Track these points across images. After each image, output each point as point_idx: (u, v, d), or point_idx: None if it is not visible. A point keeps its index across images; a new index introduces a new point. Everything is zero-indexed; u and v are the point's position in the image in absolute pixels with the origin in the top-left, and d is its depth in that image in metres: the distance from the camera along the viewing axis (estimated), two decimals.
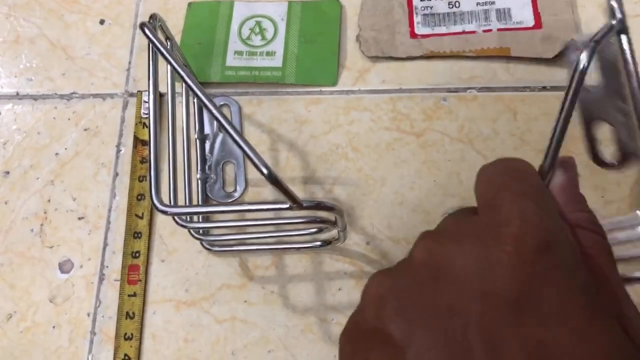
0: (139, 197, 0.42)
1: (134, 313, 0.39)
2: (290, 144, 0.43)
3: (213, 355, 0.38)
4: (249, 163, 0.41)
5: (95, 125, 0.45)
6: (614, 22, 0.28)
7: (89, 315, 0.40)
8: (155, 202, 0.31)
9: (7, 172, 0.44)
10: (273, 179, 0.27)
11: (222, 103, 0.44)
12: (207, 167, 0.42)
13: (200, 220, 0.39)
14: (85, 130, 0.45)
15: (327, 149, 0.42)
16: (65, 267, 0.41)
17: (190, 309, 0.39)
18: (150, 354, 0.39)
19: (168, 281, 0.40)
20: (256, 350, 0.38)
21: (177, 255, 0.41)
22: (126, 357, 0.39)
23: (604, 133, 0.33)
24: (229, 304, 0.39)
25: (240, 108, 0.44)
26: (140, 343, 0.39)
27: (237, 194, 0.41)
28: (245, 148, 0.28)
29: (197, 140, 0.42)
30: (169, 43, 0.38)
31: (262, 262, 0.40)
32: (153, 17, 0.35)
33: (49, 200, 0.43)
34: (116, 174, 0.43)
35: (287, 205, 0.29)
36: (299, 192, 0.41)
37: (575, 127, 0.32)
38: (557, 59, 0.42)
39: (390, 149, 0.42)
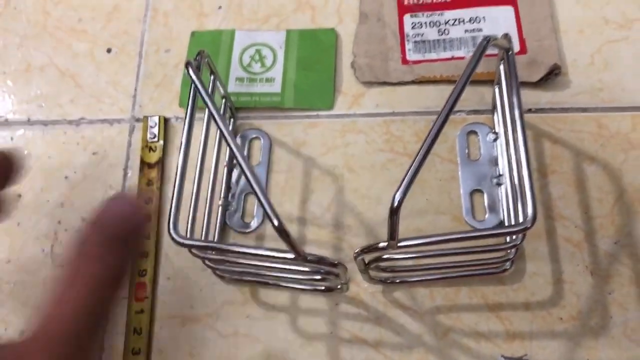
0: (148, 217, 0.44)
1: (141, 329, 0.41)
2: (289, 165, 0.45)
3: None
4: (271, 197, 0.44)
5: (103, 149, 0.47)
6: None
7: None
8: (173, 234, 0.33)
9: (20, 195, 0.46)
10: (280, 231, 0.30)
11: (253, 136, 0.46)
12: (230, 195, 0.44)
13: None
14: (94, 154, 0.47)
15: (325, 170, 0.44)
16: None
17: (195, 324, 0.41)
18: None
19: (174, 298, 0.42)
20: None
21: (182, 273, 0.43)
22: None
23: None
24: (231, 319, 0.41)
25: (271, 142, 0.46)
26: (148, 358, 0.41)
27: (254, 226, 0.43)
28: (260, 196, 0.30)
29: (225, 169, 0.44)
30: (212, 77, 0.39)
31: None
32: (200, 53, 0.37)
33: (59, 222, 0.45)
34: None
35: (292, 256, 0.31)
36: (297, 211, 0.43)
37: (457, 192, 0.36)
38: (541, 83, 0.45)
39: (385, 170, 0.44)
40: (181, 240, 0.34)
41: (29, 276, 0.44)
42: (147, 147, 0.46)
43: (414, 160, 0.31)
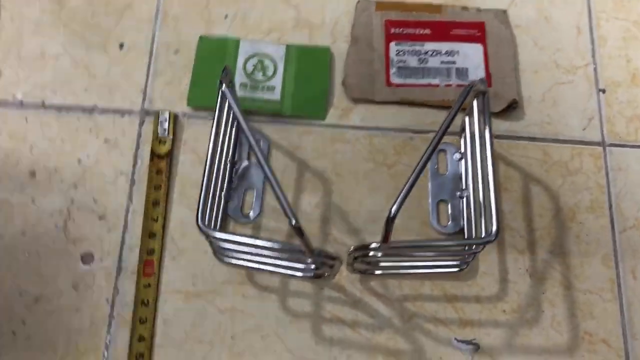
0: (154, 203, 0.49)
1: (148, 301, 0.47)
2: (285, 166, 0.51)
3: (215, 338, 0.46)
4: (267, 193, 0.50)
5: (115, 137, 0.52)
6: None
7: (107, 301, 0.47)
8: (201, 225, 0.39)
9: (33, 173, 0.50)
10: (298, 230, 0.37)
11: (256, 138, 0.51)
12: (231, 188, 0.50)
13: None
14: (106, 141, 0.52)
15: (315, 173, 0.51)
16: (86, 259, 0.48)
17: (197, 299, 0.47)
18: (161, 335, 0.46)
19: (178, 276, 0.48)
20: (252, 336, 0.46)
21: (186, 254, 0.49)
22: (141, 337, 0.46)
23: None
24: (229, 296, 0.47)
25: (270, 145, 0.52)
26: (153, 326, 0.47)
27: (252, 217, 0.50)
28: (280, 195, 0.37)
29: (228, 165, 0.50)
30: (231, 85, 0.45)
31: None
32: (226, 69, 0.43)
33: (72, 201, 0.50)
34: (133, 182, 0.50)
35: (303, 250, 0.38)
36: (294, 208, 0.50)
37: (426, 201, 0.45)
38: (502, 113, 0.53)
39: (367, 177, 0.51)
40: (207, 231, 0.40)
41: (43, 248, 0.48)
42: (158, 139, 0.51)
43: (408, 180, 0.38)
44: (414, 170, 0.39)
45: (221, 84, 0.42)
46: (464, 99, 0.41)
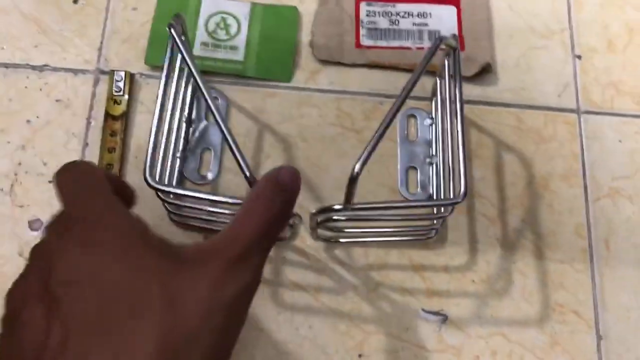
0: (108, 167, 0.47)
1: None
2: (247, 130, 0.49)
3: None
4: (225, 153, 0.47)
5: (67, 97, 0.49)
6: None
7: None
8: (149, 179, 0.37)
9: None
10: (251, 182, 0.35)
11: (213, 95, 0.49)
12: (187, 149, 0.47)
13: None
14: (57, 101, 0.49)
15: (280, 138, 0.49)
16: (35, 225, 0.46)
17: None
18: None
19: None
20: None
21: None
22: None
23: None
24: None
25: (229, 103, 0.49)
26: None
27: (210, 178, 0.47)
28: (235, 150, 0.35)
29: (184, 124, 0.47)
30: (183, 37, 0.41)
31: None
32: (179, 16, 0.40)
33: (19, 164, 0.47)
34: (86, 144, 0.48)
35: None
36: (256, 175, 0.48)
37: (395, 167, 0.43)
38: (474, 78, 0.51)
39: (334, 142, 0.49)
40: (156, 185, 0.37)
41: None
42: (112, 99, 0.48)
43: (373, 136, 0.36)
44: (379, 127, 0.36)
45: (170, 28, 0.39)
46: (433, 52, 0.38)
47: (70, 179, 0.31)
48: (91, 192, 0.30)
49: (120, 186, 0.33)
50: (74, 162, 0.33)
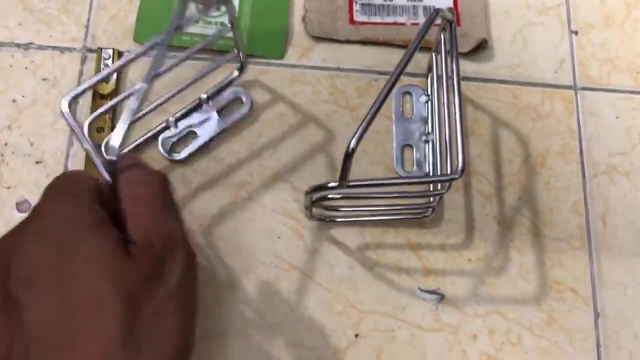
0: (97, 147, 0.45)
1: None
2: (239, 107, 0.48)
3: None
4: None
5: (54, 76, 0.48)
6: None
7: None
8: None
9: None
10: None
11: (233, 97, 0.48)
12: (174, 123, 0.46)
13: None
14: (44, 80, 0.47)
15: (273, 116, 0.48)
16: (22, 207, 0.44)
17: None
18: None
19: None
20: (205, 289, 0.43)
21: None
22: None
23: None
24: None
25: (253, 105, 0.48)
26: None
27: (180, 157, 0.46)
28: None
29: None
30: None
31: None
32: None
33: (5, 144, 0.46)
34: None
35: None
36: (245, 151, 0.47)
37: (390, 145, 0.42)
38: (470, 54, 0.50)
39: (328, 120, 0.48)
40: None
41: None
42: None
43: (368, 112, 0.35)
44: (374, 103, 0.35)
45: None
46: (429, 25, 0.38)
47: (55, 183, 0.31)
48: (66, 193, 0.30)
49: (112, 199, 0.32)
50: (67, 172, 0.33)
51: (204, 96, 0.47)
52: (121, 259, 0.27)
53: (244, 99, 0.48)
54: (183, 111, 0.47)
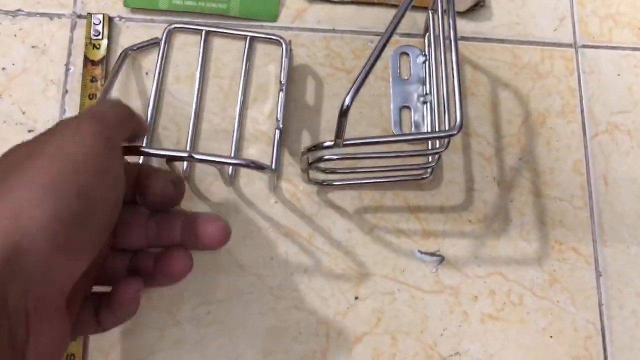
0: None
1: None
2: (233, 72, 0.47)
3: None
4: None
5: (43, 43, 0.47)
6: None
7: None
8: None
9: None
10: None
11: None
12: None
13: None
14: (33, 47, 0.46)
15: (267, 80, 0.47)
16: None
17: None
18: None
19: None
20: (203, 254, 0.43)
21: None
22: None
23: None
24: None
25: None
26: None
27: None
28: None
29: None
30: None
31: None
32: None
33: None
34: (66, 91, 0.46)
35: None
36: (239, 116, 0.46)
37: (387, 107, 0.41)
38: (468, 13, 0.49)
39: (325, 83, 0.47)
40: None
41: None
42: (91, 44, 0.46)
43: (362, 69, 0.34)
44: (368, 59, 0.34)
45: None
46: None
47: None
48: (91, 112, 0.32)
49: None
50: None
51: None
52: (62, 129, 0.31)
53: None
54: None
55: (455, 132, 0.36)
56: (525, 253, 0.44)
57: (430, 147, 0.42)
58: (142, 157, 0.42)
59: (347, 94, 0.34)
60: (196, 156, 0.35)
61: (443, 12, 0.41)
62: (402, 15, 0.36)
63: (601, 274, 0.44)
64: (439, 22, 0.42)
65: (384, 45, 0.35)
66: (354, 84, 0.34)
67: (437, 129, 0.44)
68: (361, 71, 0.34)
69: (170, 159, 0.35)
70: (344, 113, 0.34)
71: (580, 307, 0.44)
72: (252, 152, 0.45)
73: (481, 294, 0.43)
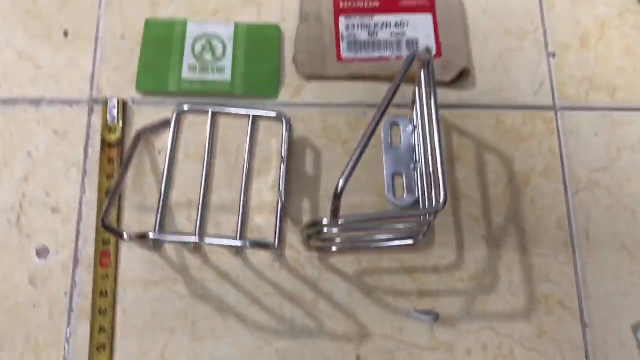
0: (108, 193, 0.49)
1: (107, 291, 0.47)
2: (238, 146, 0.51)
3: (176, 324, 0.46)
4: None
5: (64, 128, 0.51)
6: None
7: (66, 294, 0.47)
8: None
9: None
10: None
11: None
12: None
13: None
14: (55, 133, 0.51)
15: (269, 153, 0.51)
16: (42, 253, 0.48)
17: (156, 287, 0.47)
18: (122, 326, 0.46)
19: (135, 264, 0.48)
20: (213, 320, 0.46)
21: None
22: (102, 329, 0.46)
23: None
24: (188, 282, 0.47)
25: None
26: (114, 317, 0.46)
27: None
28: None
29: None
30: None
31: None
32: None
33: (23, 195, 0.49)
34: (85, 173, 0.50)
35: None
36: (247, 189, 0.50)
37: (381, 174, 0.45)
38: (453, 83, 0.53)
39: (322, 154, 0.51)
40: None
41: None
42: (108, 128, 0.50)
43: (353, 154, 0.38)
44: (359, 144, 0.38)
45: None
46: (407, 68, 0.40)
47: None
48: None
49: None
50: None
51: None
52: None
53: None
54: None
55: (441, 208, 0.40)
56: (514, 307, 0.48)
57: (421, 219, 0.46)
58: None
59: (341, 178, 0.38)
60: (205, 241, 0.39)
61: (426, 88, 0.45)
62: (391, 101, 0.40)
63: (587, 325, 0.47)
64: (424, 97, 0.46)
65: (374, 129, 0.39)
66: (346, 168, 0.38)
67: (427, 194, 0.48)
68: (352, 156, 0.38)
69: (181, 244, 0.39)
70: (338, 196, 0.38)
71: (568, 358, 0.47)
72: (258, 220, 0.49)
73: (474, 348, 0.47)
